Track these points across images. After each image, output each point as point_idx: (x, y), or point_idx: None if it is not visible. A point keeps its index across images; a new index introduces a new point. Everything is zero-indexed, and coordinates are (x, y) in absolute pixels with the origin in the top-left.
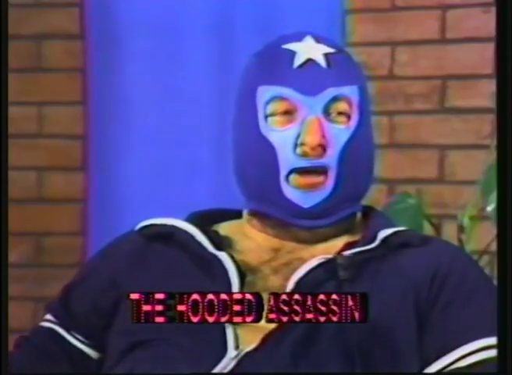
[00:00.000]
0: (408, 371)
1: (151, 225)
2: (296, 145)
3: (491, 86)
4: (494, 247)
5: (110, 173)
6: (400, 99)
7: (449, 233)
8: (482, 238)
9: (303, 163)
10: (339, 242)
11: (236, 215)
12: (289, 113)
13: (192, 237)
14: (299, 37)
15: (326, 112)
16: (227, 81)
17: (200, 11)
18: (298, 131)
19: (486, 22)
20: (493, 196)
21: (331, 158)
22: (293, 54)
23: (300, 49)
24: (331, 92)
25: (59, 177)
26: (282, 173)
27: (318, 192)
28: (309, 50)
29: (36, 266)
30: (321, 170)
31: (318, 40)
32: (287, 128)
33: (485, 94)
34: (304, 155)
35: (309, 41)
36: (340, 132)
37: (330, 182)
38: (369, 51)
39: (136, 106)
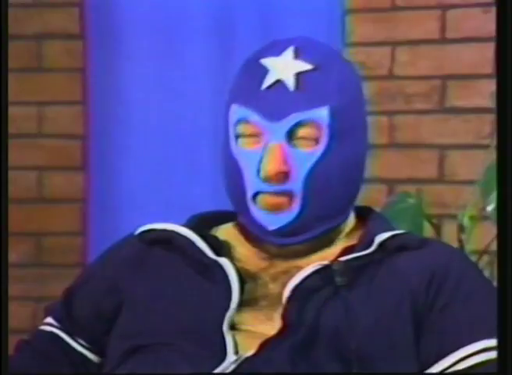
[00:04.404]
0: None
1: (151, 230)
2: (259, 169)
3: (491, 86)
4: (494, 247)
5: (110, 173)
6: (400, 99)
7: (449, 233)
8: (482, 238)
9: (266, 188)
10: (335, 248)
11: (235, 216)
12: (254, 136)
13: (192, 243)
14: (280, 50)
15: (290, 137)
16: (227, 81)
17: (200, 11)
18: (261, 155)
19: (486, 22)
20: (493, 196)
21: (295, 183)
22: (265, 72)
23: (273, 67)
24: (295, 117)
25: (59, 177)
26: (249, 193)
27: (283, 215)
28: (282, 69)
29: (36, 266)
30: (285, 194)
31: (298, 53)
32: (252, 150)
33: (485, 94)
34: (266, 180)
35: (288, 55)
36: (305, 157)
37: (295, 205)
38: (369, 51)
39: (136, 106)
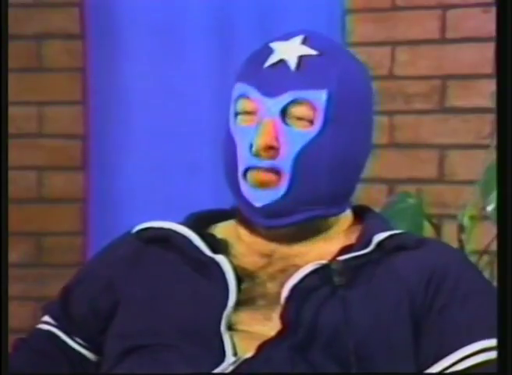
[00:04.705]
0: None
1: (149, 228)
2: (251, 145)
3: (491, 86)
4: (494, 247)
5: (110, 173)
6: (400, 99)
7: (449, 233)
8: (482, 238)
9: (256, 163)
10: (333, 247)
11: (233, 214)
12: (251, 113)
13: (189, 241)
14: (289, 36)
15: (284, 114)
16: (227, 81)
17: (200, 11)
18: (255, 131)
19: (486, 22)
20: (493, 196)
21: (284, 161)
22: (271, 52)
23: (278, 48)
24: (290, 95)
25: (59, 177)
26: (240, 169)
27: (270, 192)
28: (286, 50)
29: (36, 266)
30: (274, 171)
31: (306, 40)
32: (247, 127)
33: (485, 93)
34: (256, 155)
35: (296, 40)
36: (298, 135)
37: (283, 183)
38: (369, 51)
39: (136, 106)
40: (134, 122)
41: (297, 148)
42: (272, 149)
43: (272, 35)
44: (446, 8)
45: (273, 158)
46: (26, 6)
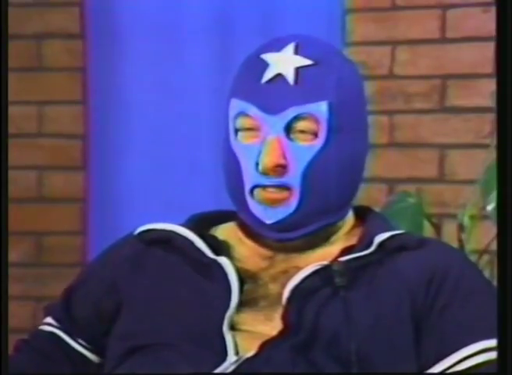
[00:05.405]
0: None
1: (151, 230)
2: (257, 163)
3: (491, 85)
4: (494, 246)
5: (110, 173)
6: (400, 98)
7: (449, 232)
8: (482, 238)
9: (264, 181)
10: (334, 248)
11: (233, 216)
12: (253, 130)
13: (191, 242)
14: (281, 46)
15: (288, 131)
16: (227, 81)
17: (199, 11)
18: (260, 149)
19: (486, 21)
20: (493, 195)
21: (293, 177)
22: (265, 66)
23: (273, 61)
24: (293, 111)
25: (59, 177)
26: (247, 187)
27: (281, 209)
28: (282, 63)
29: (36, 266)
30: (283, 188)
31: (298, 48)
32: (251, 144)
33: (485, 93)
34: (264, 173)
35: (288, 50)
36: (304, 150)
37: (294, 199)
38: (369, 51)
39: (136, 106)
40: (134, 122)
41: (304, 163)
42: (279, 167)
43: (273, 35)
44: (446, 8)
45: (281, 176)
46: (26, 6)
